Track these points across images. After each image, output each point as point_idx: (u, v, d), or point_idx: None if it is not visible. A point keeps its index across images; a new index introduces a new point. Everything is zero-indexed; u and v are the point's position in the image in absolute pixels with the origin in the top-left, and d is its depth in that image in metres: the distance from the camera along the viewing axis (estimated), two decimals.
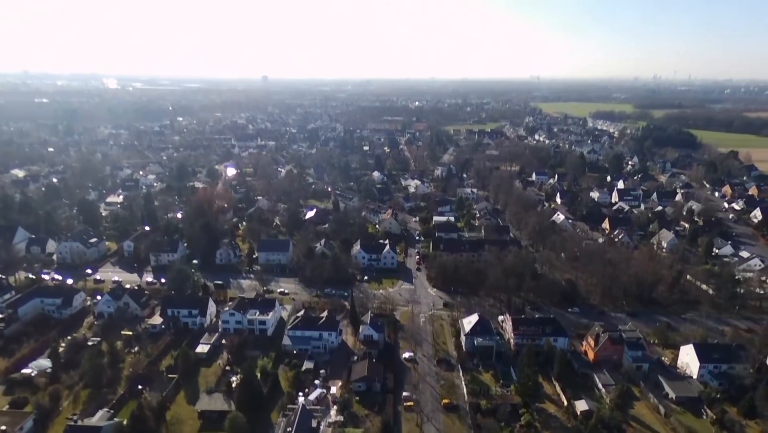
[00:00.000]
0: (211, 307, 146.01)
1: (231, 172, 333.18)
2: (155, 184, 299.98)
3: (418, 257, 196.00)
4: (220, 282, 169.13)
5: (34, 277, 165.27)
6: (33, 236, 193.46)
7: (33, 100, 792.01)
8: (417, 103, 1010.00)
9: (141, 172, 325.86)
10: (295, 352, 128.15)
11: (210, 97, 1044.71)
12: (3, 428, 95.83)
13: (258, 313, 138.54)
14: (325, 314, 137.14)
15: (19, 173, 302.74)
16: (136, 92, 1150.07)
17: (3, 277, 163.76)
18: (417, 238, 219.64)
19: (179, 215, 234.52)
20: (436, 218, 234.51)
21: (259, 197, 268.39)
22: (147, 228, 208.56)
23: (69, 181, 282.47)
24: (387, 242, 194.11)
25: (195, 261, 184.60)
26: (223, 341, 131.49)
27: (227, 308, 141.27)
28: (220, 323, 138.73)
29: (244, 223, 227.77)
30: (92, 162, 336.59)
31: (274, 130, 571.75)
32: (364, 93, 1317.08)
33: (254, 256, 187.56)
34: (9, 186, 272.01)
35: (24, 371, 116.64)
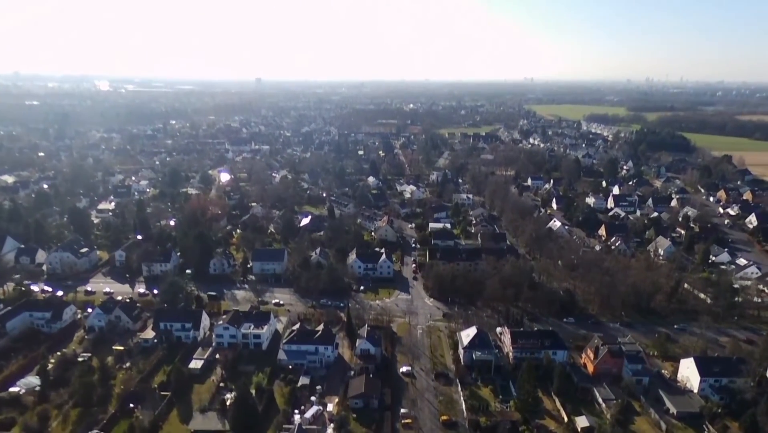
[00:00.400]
0: (205, 320, 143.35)
1: (225, 177, 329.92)
2: (148, 190, 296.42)
3: (414, 265, 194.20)
4: (213, 293, 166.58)
5: (23, 289, 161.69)
6: (22, 246, 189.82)
7: (23, 103, 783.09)
8: (411, 105, 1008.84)
9: (133, 178, 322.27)
10: (290, 367, 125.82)
11: (203, 99, 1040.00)
12: None
13: (252, 326, 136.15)
14: (321, 327, 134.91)
15: (9, 179, 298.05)
16: (129, 94, 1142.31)
17: None
18: (413, 245, 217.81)
19: (172, 222, 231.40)
20: (432, 225, 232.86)
21: (253, 204, 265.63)
22: (139, 237, 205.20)
23: (60, 188, 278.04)
24: (383, 250, 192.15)
25: (188, 271, 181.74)
26: (217, 356, 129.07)
27: (221, 322, 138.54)
28: (213, 336, 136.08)
29: (238, 231, 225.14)
30: (83, 167, 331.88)
31: (268, 133, 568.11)
32: (358, 95, 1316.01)
33: (248, 265, 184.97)
34: None
35: (12, 389, 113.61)
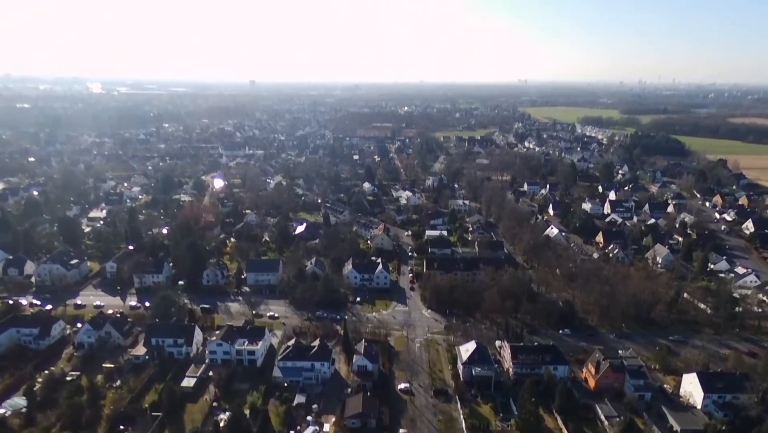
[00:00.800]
0: (198, 335, 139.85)
1: (218, 184, 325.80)
2: (140, 196, 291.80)
3: (411, 275, 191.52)
4: (207, 306, 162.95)
5: (11, 303, 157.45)
6: (10, 257, 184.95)
7: (14, 106, 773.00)
8: (406, 108, 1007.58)
9: (125, 184, 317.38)
10: (286, 384, 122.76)
11: (197, 102, 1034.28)
12: None
13: (247, 342, 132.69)
14: (317, 342, 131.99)
15: None
16: (122, 97, 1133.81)
17: None
18: (410, 254, 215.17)
19: (165, 231, 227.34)
20: (428, 233, 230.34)
21: (247, 211, 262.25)
22: (131, 247, 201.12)
23: (50, 195, 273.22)
24: (379, 260, 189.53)
25: (181, 282, 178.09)
26: (210, 373, 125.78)
27: (214, 337, 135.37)
28: (207, 353, 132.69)
29: (232, 239, 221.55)
30: (75, 174, 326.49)
31: (263, 137, 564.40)
32: (353, 98, 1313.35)
33: (243, 276, 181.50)
34: None
35: None
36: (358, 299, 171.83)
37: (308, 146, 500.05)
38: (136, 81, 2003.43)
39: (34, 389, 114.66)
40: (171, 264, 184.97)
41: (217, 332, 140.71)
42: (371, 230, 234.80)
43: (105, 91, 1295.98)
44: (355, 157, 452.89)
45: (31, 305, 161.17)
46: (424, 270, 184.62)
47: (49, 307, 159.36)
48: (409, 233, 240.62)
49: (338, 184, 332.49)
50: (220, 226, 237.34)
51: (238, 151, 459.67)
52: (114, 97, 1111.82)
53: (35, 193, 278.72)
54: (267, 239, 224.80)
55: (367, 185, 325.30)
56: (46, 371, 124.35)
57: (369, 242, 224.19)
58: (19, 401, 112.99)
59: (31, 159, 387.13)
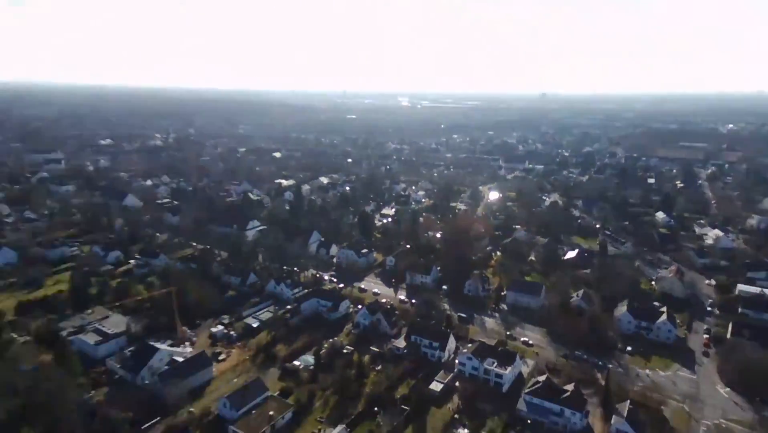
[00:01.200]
0: (451, 342, 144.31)
1: (493, 196, 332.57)
2: (423, 200, 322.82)
3: (706, 337, 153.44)
4: (464, 315, 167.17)
5: (317, 276, 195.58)
6: (323, 239, 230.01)
7: (345, 117, 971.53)
8: (731, 125, 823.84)
9: (413, 188, 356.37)
10: (529, 421, 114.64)
11: (486, 115, 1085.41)
12: (271, 413, 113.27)
13: (496, 364, 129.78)
14: (570, 386, 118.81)
15: (324, 180, 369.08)
16: (423, 110, 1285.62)
17: (297, 271, 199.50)
18: (708, 309, 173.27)
19: (438, 235, 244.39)
20: (741, 287, 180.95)
21: (517, 227, 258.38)
22: (408, 246, 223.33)
23: (356, 192, 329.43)
24: (664, 308, 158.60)
25: (444, 287, 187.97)
26: (457, 384, 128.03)
27: (466, 350, 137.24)
28: (456, 363, 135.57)
29: (497, 253, 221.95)
30: (376, 175, 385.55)
31: (545, 152, 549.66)
32: (657, 112, 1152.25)
33: (502, 293, 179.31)
34: (316, 190, 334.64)
35: (295, 362, 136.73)
36: (629, 348, 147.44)
37: (594, 165, 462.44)
38: (437, 95, 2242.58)
39: (321, 352, 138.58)
40: (438, 268, 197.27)
41: (470, 345, 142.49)
42: (659, 269, 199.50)
43: (411, 105, 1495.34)
44: (651, 181, 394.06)
45: (330, 281, 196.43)
46: (728, 335, 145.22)
47: (341, 286, 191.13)
48: (713, 282, 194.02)
49: (624, 210, 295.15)
50: (488, 238, 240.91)
51: (517, 164, 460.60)
52: (417, 110, 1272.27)
53: (347, 189, 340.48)
54: (533, 258, 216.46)
55: (661, 215, 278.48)
56: (331, 340, 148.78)
57: (653, 283, 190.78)
58: (309, 358, 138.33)
59: (349, 160, 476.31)
